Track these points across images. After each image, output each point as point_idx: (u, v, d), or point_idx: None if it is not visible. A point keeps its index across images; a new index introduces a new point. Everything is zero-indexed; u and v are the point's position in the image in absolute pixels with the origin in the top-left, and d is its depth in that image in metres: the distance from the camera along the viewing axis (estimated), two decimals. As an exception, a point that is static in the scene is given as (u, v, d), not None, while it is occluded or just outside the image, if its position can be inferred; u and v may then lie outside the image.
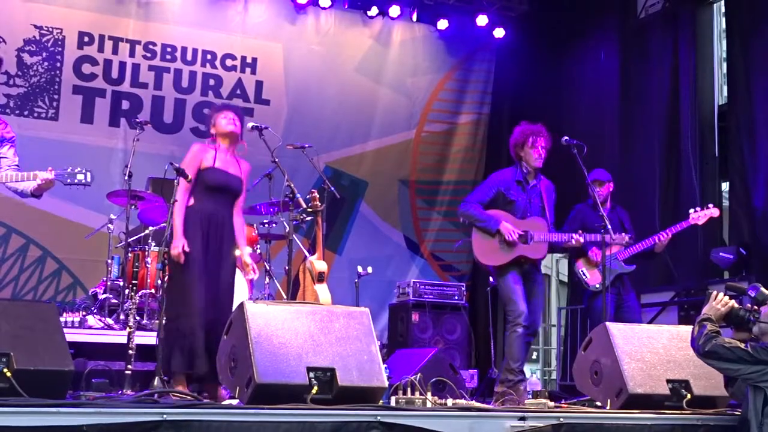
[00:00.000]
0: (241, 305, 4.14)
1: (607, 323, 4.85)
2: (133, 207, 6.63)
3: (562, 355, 9.19)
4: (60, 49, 8.84)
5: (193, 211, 5.15)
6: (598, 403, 4.72)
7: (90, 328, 6.38)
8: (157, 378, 4.61)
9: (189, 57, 9.41)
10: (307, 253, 6.96)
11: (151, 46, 9.25)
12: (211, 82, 9.49)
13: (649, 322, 7.07)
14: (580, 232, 5.90)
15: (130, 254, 6.70)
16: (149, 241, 6.89)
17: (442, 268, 10.29)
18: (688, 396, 4.58)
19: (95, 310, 6.78)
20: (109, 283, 6.99)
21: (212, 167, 5.21)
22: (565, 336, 9.10)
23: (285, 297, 6.05)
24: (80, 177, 5.17)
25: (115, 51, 9.07)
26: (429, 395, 4.59)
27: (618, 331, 4.76)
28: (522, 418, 4.09)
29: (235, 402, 4.16)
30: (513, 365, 5.70)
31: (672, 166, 8.27)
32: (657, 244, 6.45)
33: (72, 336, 5.72)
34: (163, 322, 4.80)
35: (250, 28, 9.71)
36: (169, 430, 3.43)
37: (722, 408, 4.59)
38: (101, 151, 8.77)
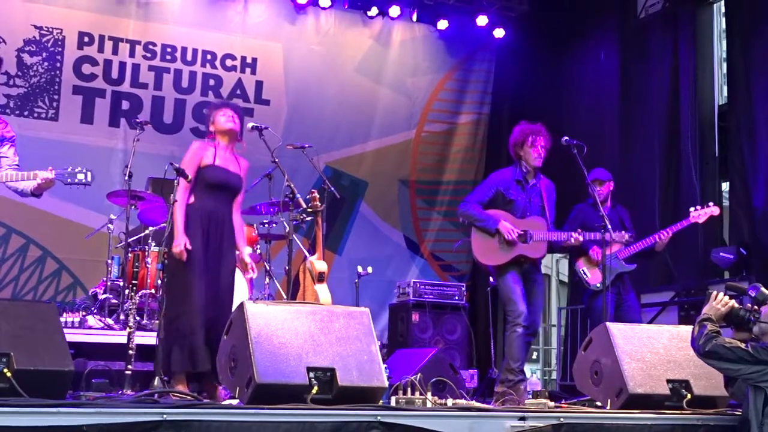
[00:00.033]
0: (241, 305, 4.13)
1: (608, 323, 4.85)
2: (133, 207, 6.63)
3: (562, 355, 9.19)
4: (60, 49, 8.83)
5: (193, 209, 5.14)
6: (599, 403, 4.72)
7: (90, 328, 6.37)
8: (157, 378, 4.61)
9: (189, 57, 9.41)
10: (307, 253, 6.95)
11: (151, 47, 9.25)
12: (211, 82, 9.49)
13: (649, 322, 7.07)
14: (580, 230, 5.89)
15: (130, 254, 6.70)
16: (149, 241, 6.89)
17: (442, 268, 10.28)
18: (689, 396, 4.58)
19: (95, 311, 6.78)
20: (109, 284, 6.98)
21: (212, 165, 5.20)
22: (565, 336, 9.10)
23: (285, 297, 6.05)
24: (80, 176, 5.17)
25: (115, 51, 9.06)
26: (429, 395, 4.59)
27: (618, 331, 4.76)
28: (522, 418, 4.09)
29: (235, 402, 4.16)
30: (513, 365, 5.69)
31: (672, 166, 8.27)
32: (658, 242, 6.45)
33: (72, 336, 5.72)
34: (163, 322, 4.79)
35: (250, 28, 9.70)
36: (169, 430, 3.44)
37: (722, 408, 4.59)
38: (101, 151, 8.76)
